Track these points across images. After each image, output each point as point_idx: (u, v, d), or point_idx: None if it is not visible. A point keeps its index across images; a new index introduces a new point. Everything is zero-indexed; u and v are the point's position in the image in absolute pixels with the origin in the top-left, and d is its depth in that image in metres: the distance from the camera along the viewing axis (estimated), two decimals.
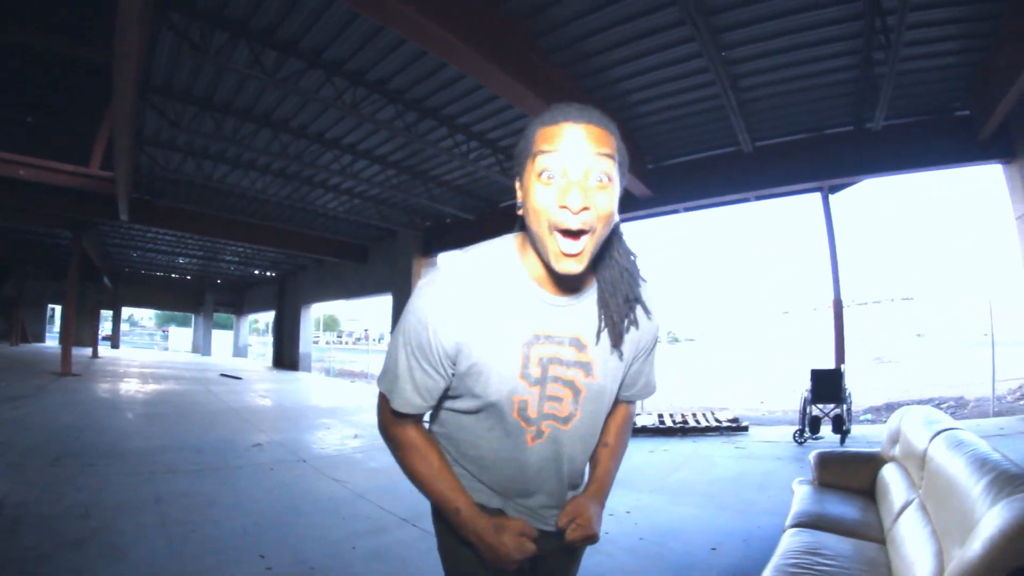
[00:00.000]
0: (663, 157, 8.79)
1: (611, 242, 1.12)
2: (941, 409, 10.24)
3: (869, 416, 10.05)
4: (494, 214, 11.77)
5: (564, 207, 0.93)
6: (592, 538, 1.18)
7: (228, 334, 33.00)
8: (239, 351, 29.72)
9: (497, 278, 1.10)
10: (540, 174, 0.96)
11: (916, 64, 6.35)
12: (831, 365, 7.86)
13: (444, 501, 1.18)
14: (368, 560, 3.38)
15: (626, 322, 1.15)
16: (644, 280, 1.19)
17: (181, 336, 36.59)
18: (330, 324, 55.45)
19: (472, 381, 1.11)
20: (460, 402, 1.19)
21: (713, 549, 3.55)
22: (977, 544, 1.54)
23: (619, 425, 1.39)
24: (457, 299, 1.07)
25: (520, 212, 1.05)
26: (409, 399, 1.14)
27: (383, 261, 15.14)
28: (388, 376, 1.17)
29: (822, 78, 6.66)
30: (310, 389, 14.34)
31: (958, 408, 10.99)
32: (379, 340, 46.66)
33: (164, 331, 43.55)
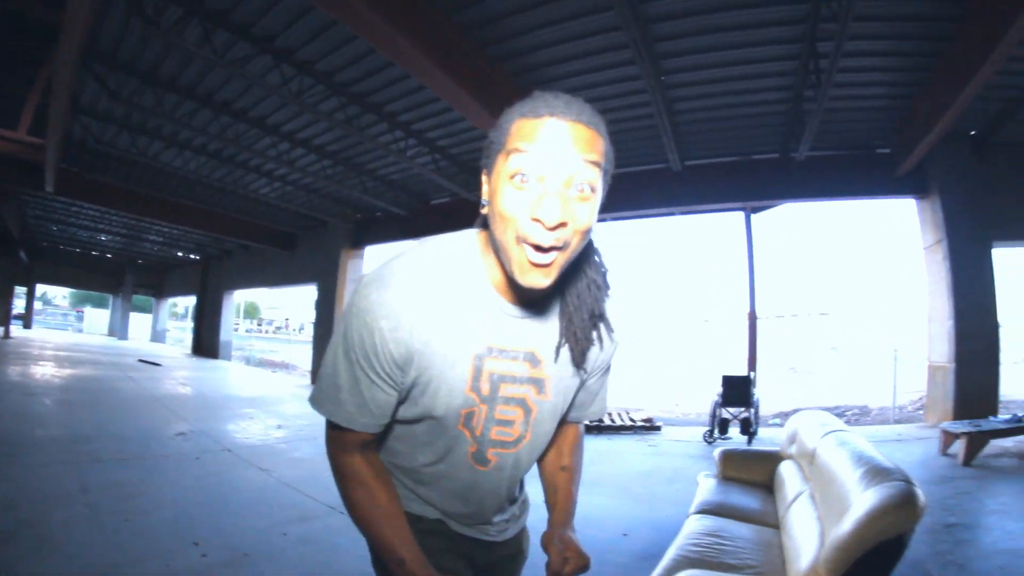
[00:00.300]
0: None
1: (583, 252, 0.96)
2: (845, 416, 11.11)
3: (778, 420, 10.64)
4: (426, 210, 11.89)
5: (536, 220, 0.81)
6: (588, 564, 1.09)
7: (146, 317, 31.60)
8: (157, 336, 28.46)
9: (454, 280, 0.96)
10: (512, 176, 0.83)
11: (843, 103, 6.98)
12: (743, 372, 8.31)
13: (387, 549, 1.01)
14: (299, 545, 3.47)
15: (589, 340, 1.04)
16: (609, 296, 1.08)
17: (97, 318, 34.62)
18: (251, 312, 53.84)
19: (418, 392, 0.99)
20: (397, 410, 1.04)
21: (625, 535, 3.86)
22: (848, 523, 1.81)
23: (575, 447, 1.32)
24: (410, 301, 0.92)
25: (484, 211, 0.93)
26: (353, 415, 0.98)
27: (311, 251, 15.02)
28: (327, 389, 0.99)
29: (753, 108, 7.21)
30: (231, 378, 14.06)
31: (862, 416, 11.79)
32: (299, 330, 45.72)
33: (79, 311, 40.95)
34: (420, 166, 9.05)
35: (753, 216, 9.33)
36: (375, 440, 1.06)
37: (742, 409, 7.46)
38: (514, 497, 1.27)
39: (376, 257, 14.31)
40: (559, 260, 0.85)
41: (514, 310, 0.99)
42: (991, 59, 5.03)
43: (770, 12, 5.41)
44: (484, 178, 0.93)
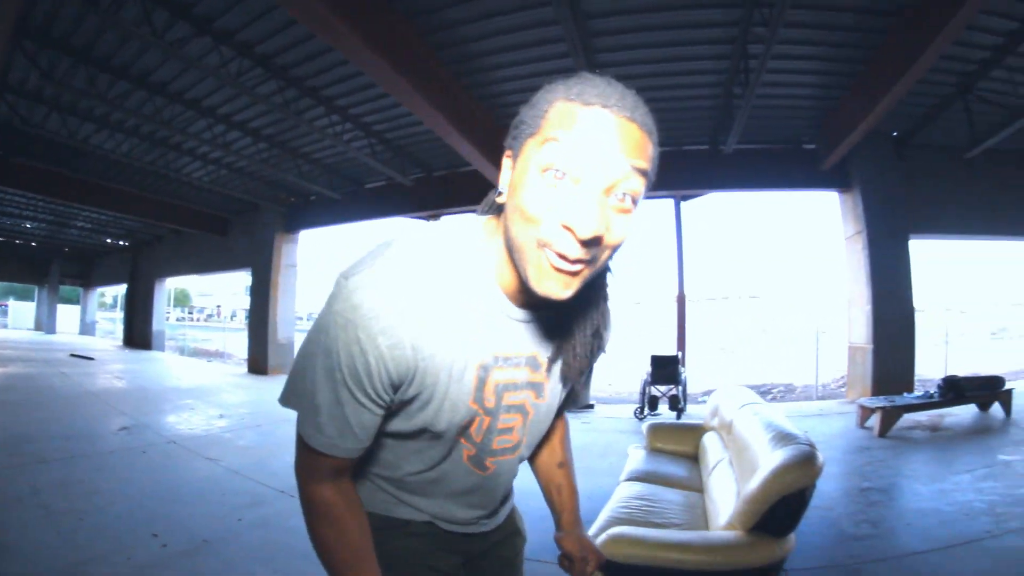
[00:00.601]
0: None
1: None
2: (772, 393, 11.80)
3: (707, 398, 11.19)
4: (360, 194, 11.84)
5: (568, 229, 0.69)
6: (604, 559, 1.16)
7: (74, 309, 30.08)
8: (87, 328, 27.17)
9: (458, 282, 0.82)
10: (545, 169, 0.70)
11: (772, 101, 7.41)
12: (672, 352, 8.62)
13: None
14: (255, 529, 3.57)
15: (587, 359, 0.98)
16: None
17: (22, 311, 32.64)
18: (181, 299, 52.05)
19: (416, 407, 0.86)
20: (388, 423, 0.90)
21: None
22: (756, 480, 2.06)
23: (565, 439, 1.31)
24: (411, 311, 0.77)
25: (500, 199, 0.81)
26: (334, 441, 0.83)
27: (244, 235, 14.60)
28: (303, 408, 0.84)
29: (685, 103, 7.53)
30: (167, 369, 13.66)
31: (787, 392, 12.48)
32: (232, 317, 44.30)
33: (3, 305, 38.62)
34: (356, 150, 9.04)
35: (683, 203, 9.66)
36: (352, 464, 0.91)
37: (671, 387, 7.81)
38: (508, 495, 1.19)
39: (311, 242, 14.06)
40: (585, 272, 0.74)
41: (520, 314, 0.89)
42: (913, 69, 5.50)
43: (704, 14, 5.71)
44: (507, 161, 0.80)
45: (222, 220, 15.31)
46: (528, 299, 0.87)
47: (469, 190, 10.00)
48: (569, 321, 0.94)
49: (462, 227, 0.88)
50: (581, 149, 0.69)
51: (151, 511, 3.79)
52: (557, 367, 0.97)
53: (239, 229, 14.96)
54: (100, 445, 5.54)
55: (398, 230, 0.86)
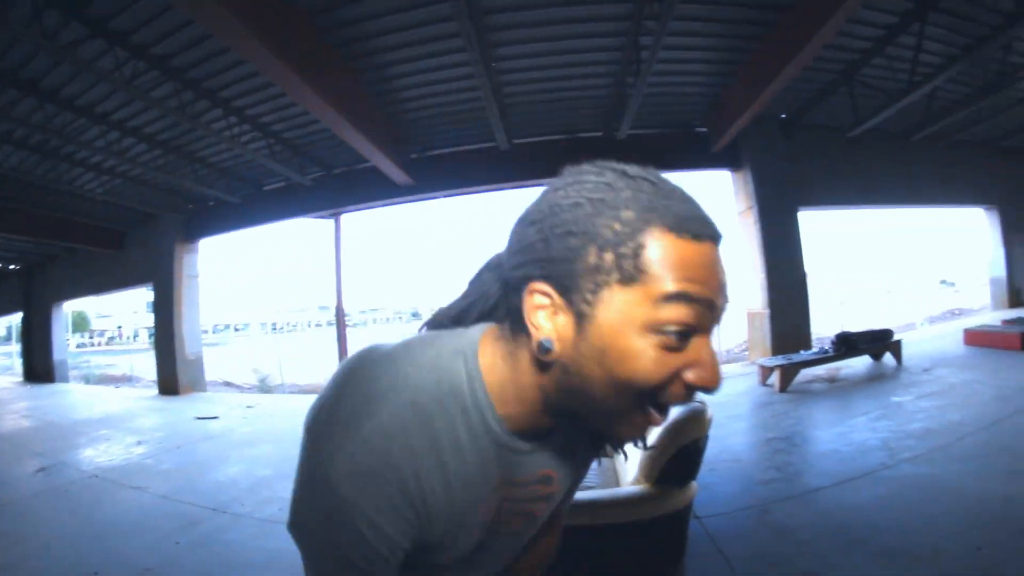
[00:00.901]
0: (425, 148, 9.51)
1: None
2: None
3: None
4: (259, 197, 11.60)
5: (702, 385, 0.58)
6: None
7: None
8: None
9: (456, 434, 0.66)
10: (664, 331, 0.55)
11: (663, 89, 7.88)
12: None
13: None
14: (194, 550, 3.57)
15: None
16: None
17: None
18: (80, 324, 48.93)
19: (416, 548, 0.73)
20: None
21: None
22: (654, 436, 2.26)
23: (546, 561, 1.10)
24: (410, 485, 0.64)
25: (545, 357, 0.61)
26: None
27: (141, 248, 13.77)
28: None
29: (578, 92, 7.88)
30: (75, 401, 12.82)
31: None
32: (135, 337, 41.86)
33: None
34: (253, 152, 8.89)
35: None
36: None
37: None
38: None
39: (212, 250, 13.33)
40: None
41: (528, 445, 0.74)
42: (799, 58, 6.02)
43: (596, 9, 6.02)
44: (541, 299, 0.61)
45: (118, 234, 14.32)
46: (535, 428, 0.72)
47: (368, 186, 10.12)
48: (574, 432, 0.80)
49: (450, 360, 0.69)
50: (710, 300, 0.57)
51: (86, 550, 3.70)
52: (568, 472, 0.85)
53: (136, 242, 14.07)
54: (20, 490, 5.28)
55: (365, 350, 0.72)
